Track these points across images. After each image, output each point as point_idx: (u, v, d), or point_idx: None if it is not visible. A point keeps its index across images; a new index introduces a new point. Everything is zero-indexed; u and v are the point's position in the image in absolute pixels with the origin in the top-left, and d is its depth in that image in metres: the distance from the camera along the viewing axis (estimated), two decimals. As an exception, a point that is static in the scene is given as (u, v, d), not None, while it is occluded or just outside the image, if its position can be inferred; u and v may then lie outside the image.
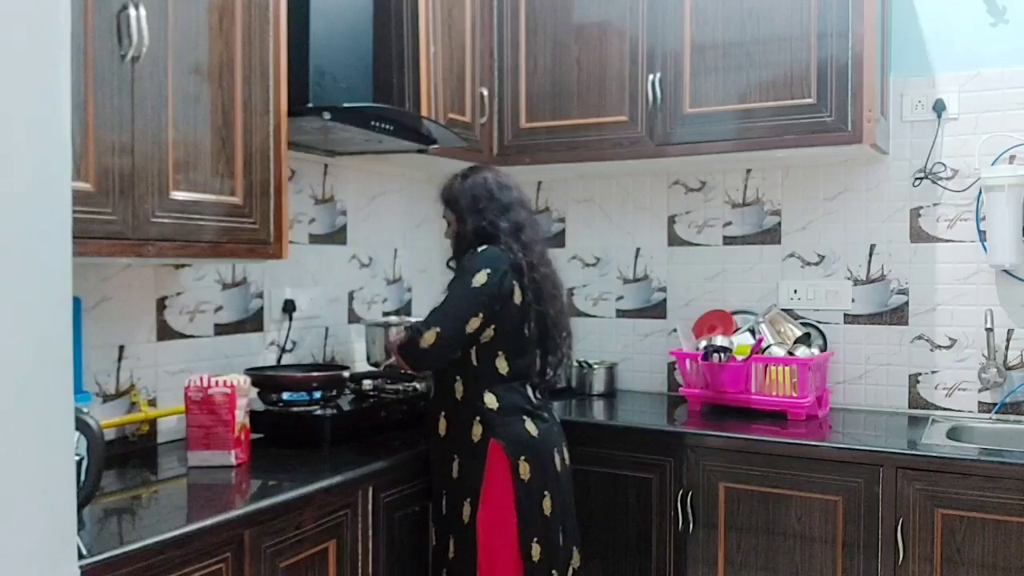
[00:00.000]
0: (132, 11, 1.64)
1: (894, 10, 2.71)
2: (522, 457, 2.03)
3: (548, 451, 2.10)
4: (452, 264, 2.20)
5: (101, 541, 1.44)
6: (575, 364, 3.03)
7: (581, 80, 2.79)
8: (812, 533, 2.25)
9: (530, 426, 2.07)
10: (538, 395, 2.16)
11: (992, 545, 2.06)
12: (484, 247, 2.08)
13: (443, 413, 2.11)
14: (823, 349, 2.77)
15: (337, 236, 2.80)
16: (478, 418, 2.05)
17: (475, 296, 2.01)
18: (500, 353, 2.07)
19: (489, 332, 2.05)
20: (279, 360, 2.54)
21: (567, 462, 2.18)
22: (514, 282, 2.06)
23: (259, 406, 2.22)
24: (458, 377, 2.08)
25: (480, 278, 2.02)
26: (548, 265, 2.18)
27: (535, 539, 2.02)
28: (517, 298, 2.06)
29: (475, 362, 2.07)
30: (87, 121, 1.58)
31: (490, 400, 2.06)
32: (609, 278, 3.18)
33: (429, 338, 2.00)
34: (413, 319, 2.78)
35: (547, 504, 2.06)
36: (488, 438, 2.04)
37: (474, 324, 2.01)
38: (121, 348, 2.09)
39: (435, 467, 2.13)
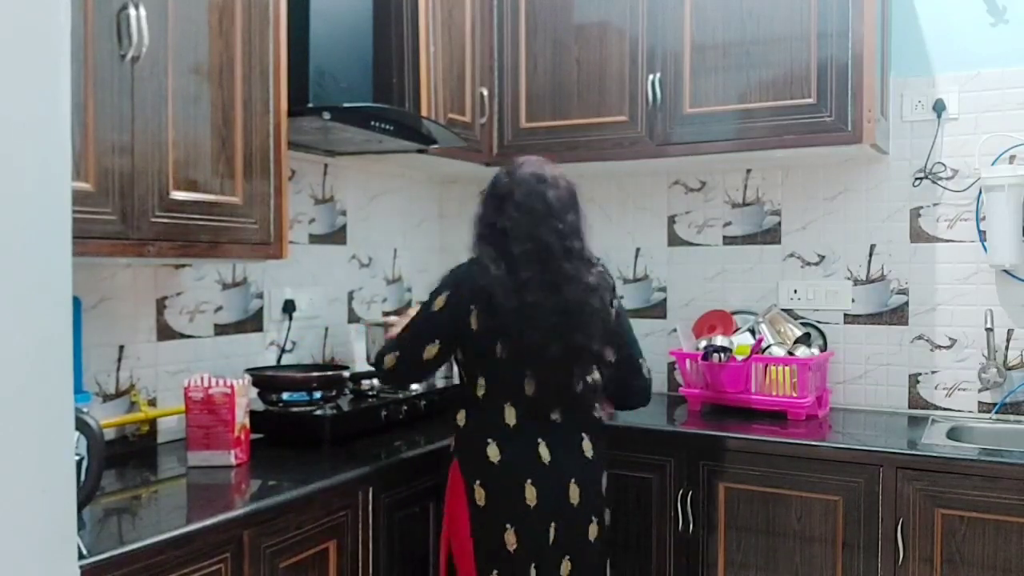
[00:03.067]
0: (132, 11, 1.64)
1: (894, 10, 2.71)
2: (477, 481, 1.89)
3: (514, 480, 1.87)
4: None
5: (101, 541, 1.44)
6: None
7: (581, 80, 2.78)
8: (812, 533, 2.24)
9: (492, 450, 1.89)
10: (528, 419, 1.91)
11: (992, 545, 2.05)
12: (462, 263, 1.97)
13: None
14: (823, 349, 2.77)
15: (337, 236, 2.80)
16: (454, 435, 1.99)
17: (432, 321, 1.92)
18: (477, 373, 1.94)
19: (459, 354, 1.96)
20: (279, 360, 2.54)
21: (571, 500, 1.91)
22: (471, 307, 1.88)
23: (259, 406, 2.22)
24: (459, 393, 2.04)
25: (438, 302, 1.92)
26: (547, 289, 1.88)
27: (495, 572, 1.87)
28: (474, 324, 1.88)
29: (461, 379, 2.00)
30: (87, 121, 1.58)
31: (460, 418, 1.97)
32: (609, 278, 3.17)
33: (389, 361, 1.95)
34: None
35: (510, 538, 1.85)
36: (452, 456, 1.97)
37: (431, 351, 1.92)
38: (121, 348, 2.09)
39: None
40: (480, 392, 1.93)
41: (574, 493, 1.91)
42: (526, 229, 1.89)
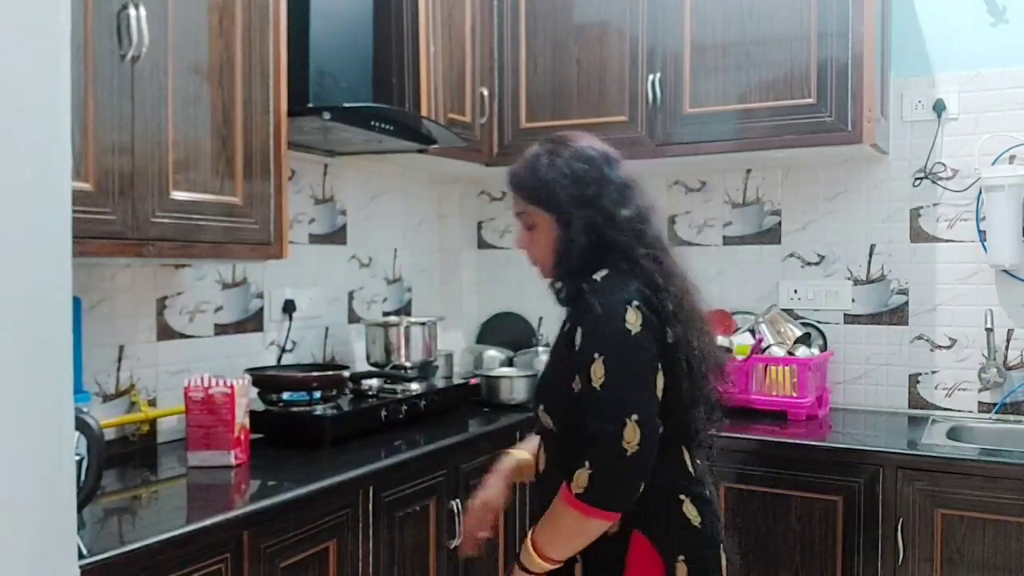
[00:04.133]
0: (132, 11, 1.64)
1: (894, 10, 2.71)
2: (681, 558, 1.42)
3: (715, 548, 1.49)
4: (563, 298, 1.54)
5: (101, 541, 1.44)
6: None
7: (581, 80, 2.79)
8: (812, 533, 2.24)
9: (690, 509, 1.46)
10: (697, 462, 1.53)
11: (992, 545, 2.06)
12: (603, 272, 1.46)
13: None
14: (823, 349, 2.77)
15: (337, 236, 2.80)
16: (683, 495, 1.46)
17: (639, 348, 1.40)
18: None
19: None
20: (279, 360, 2.54)
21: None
22: (660, 311, 1.44)
23: (259, 406, 2.22)
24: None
25: (632, 318, 1.40)
26: (683, 273, 1.57)
27: None
28: (670, 336, 1.44)
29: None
30: (87, 121, 1.58)
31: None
32: (609, 278, 3.17)
33: (631, 435, 1.34)
34: (415, 319, 2.78)
35: None
36: (630, 530, 1.43)
37: (661, 383, 1.41)
38: (121, 348, 2.09)
39: None
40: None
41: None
42: (636, 208, 1.57)
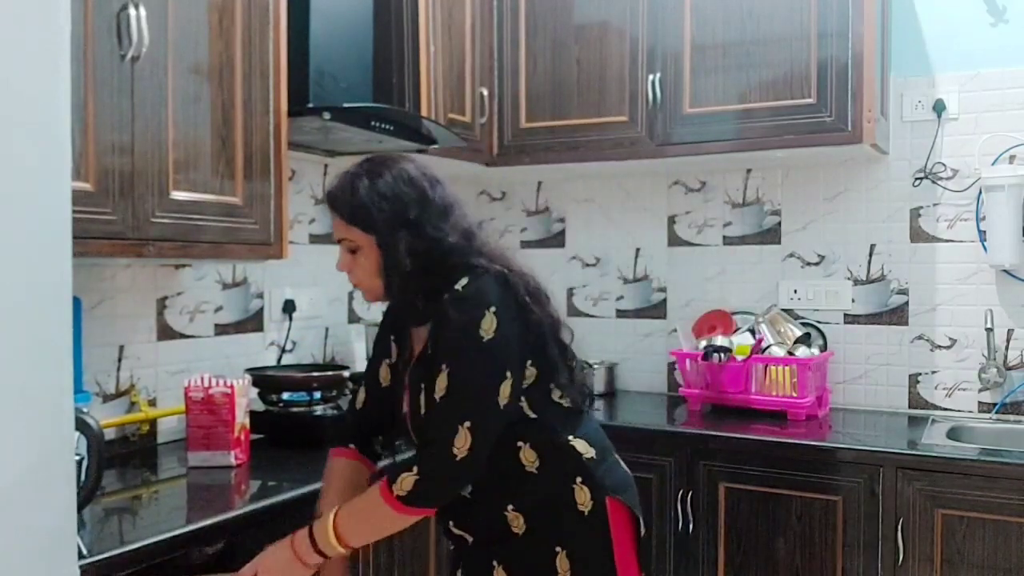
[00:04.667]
0: (132, 11, 1.64)
1: (894, 10, 2.71)
2: (638, 509, 1.56)
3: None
4: (423, 314, 1.49)
5: (101, 541, 1.44)
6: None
7: (581, 80, 2.78)
8: (812, 533, 2.24)
9: (623, 465, 1.61)
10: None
11: (992, 545, 2.06)
12: (463, 280, 1.43)
13: (510, 505, 1.48)
14: (823, 349, 2.77)
15: (337, 236, 2.79)
16: (579, 479, 1.48)
17: (489, 355, 1.41)
18: (551, 387, 1.51)
19: (531, 372, 1.48)
20: (279, 360, 2.54)
21: None
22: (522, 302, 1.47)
23: (259, 406, 2.22)
24: (521, 443, 1.47)
25: (488, 324, 1.40)
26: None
27: None
28: (535, 319, 1.49)
29: (532, 413, 1.47)
30: (87, 121, 1.58)
31: (583, 447, 1.50)
32: (609, 278, 3.18)
33: (462, 441, 1.37)
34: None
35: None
36: (602, 498, 1.48)
37: (507, 392, 1.41)
38: (121, 348, 2.09)
39: None
40: (567, 403, 1.57)
41: None
42: (462, 224, 1.55)
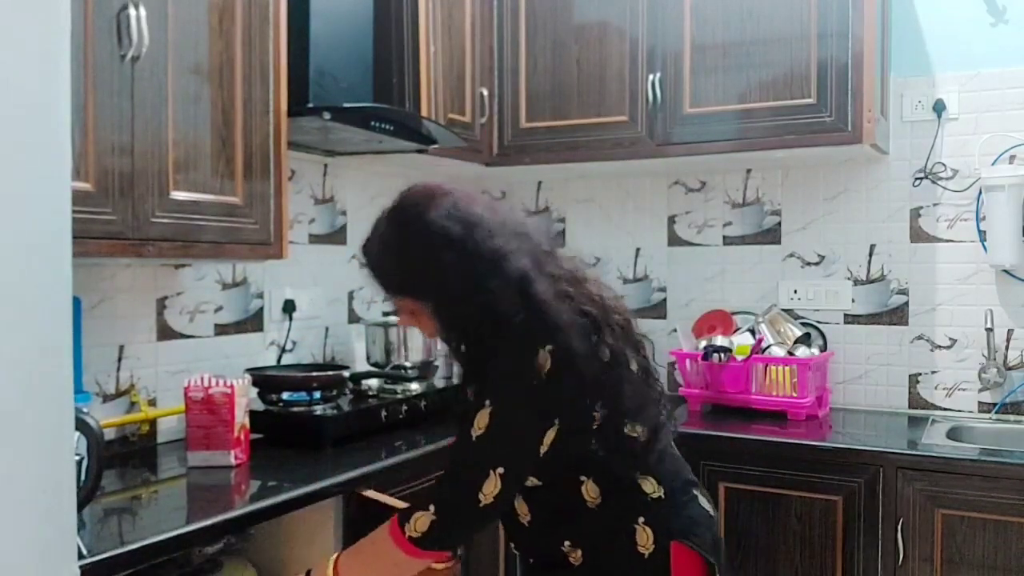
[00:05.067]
0: (132, 11, 1.64)
1: (894, 10, 2.71)
2: (714, 554, 1.42)
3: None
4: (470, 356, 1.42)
5: (101, 541, 1.44)
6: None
7: (581, 80, 2.78)
8: (812, 533, 2.24)
9: (704, 502, 1.48)
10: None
11: (992, 545, 2.06)
12: (519, 316, 1.31)
13: (567, 540, 1.40)
14: (823, 349, 2.77)
15: (337, 236, 2.80)
16: (642, 519, 1.38)
17: (537, 398, 1.31)
18: (625, 421, 1.40)
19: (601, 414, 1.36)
20: (279, 360, 2.54)
21: None
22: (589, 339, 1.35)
23: (259, 406, 2.22)
24: (584, 478, 1.38)
25: (543, 361, 1.29)
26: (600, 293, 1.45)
27: None
28: (606, 355, 1.37)
29: (601, 451, 1.38)
30: (87, 121, 1.58)
31: (651, 486, 1.41)
32: (609, 278, 3.18)
33: (491, 488, 1.30)
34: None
35: None
36: (666, 543, 1.38)
37: (550, 439, 1.33)
38: (121, 348, 2.09)
39: None
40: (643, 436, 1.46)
41: None
42: (522, 253, 1.41)
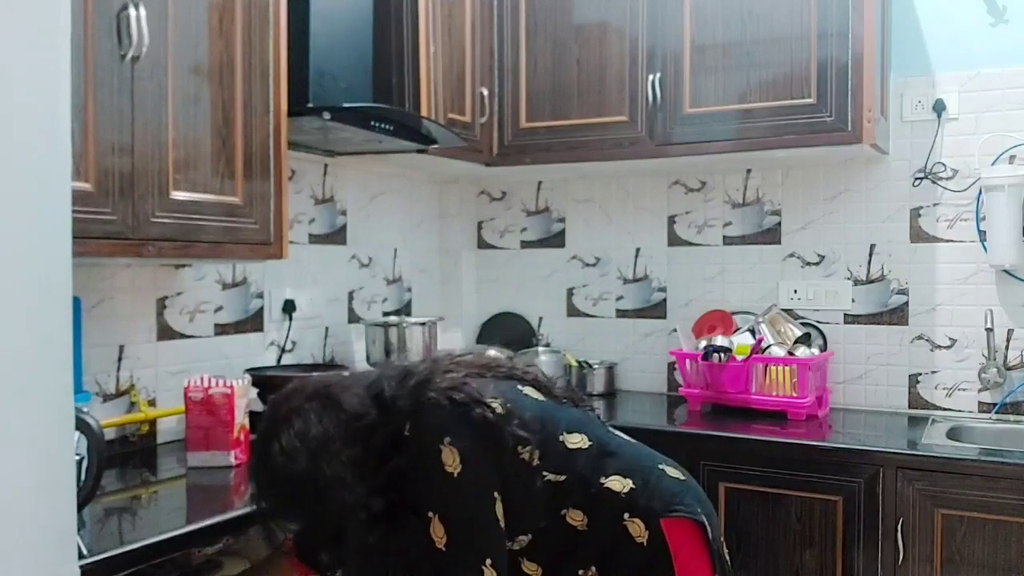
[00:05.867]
0: (132, 11, 1.64)
1: (894, 10, 2.71)
2: (699, 510, 1.47)
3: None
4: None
5: (101, 541, 1.44)
6: (575, 364, 3.03)
7: (581, 80, 2.78)
8: (812, 533, 2.24)
9: (670, 470, 1.52)
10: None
11: (992, 545, 2.05)
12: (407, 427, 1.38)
13: (580, 569, 1.45)
14: (823, 349, 2.77)
15: (337, 236, 2.80)
16: (627, 514, 1.43)
17: (468, 485, 1.35)
18: (560, 439, 1.46)
19: (527, 452, 1.40)
20: (279, 360, 2.54)
21: None
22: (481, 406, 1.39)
23: (259, 406, 2.22)
24: (564, 509, 1.43)
25: (449, 458, 1.34)
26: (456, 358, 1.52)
27: None
28: (500, 407, 1.41)
29: (558, 477, 1.43)
30: (87, 121, 1.58)
31: (618, 483, 1.45)
32: (609, 278, 3.18)
33: None
34: (414, 319, 2.78)
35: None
36: (656, 524, 1.43)
37: (500, 511, 1.37)
38: (121, 348, 2.09)
39: None
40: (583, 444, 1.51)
41: None
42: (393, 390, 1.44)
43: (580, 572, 1.43)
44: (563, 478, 1.41)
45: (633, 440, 1.58)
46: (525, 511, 1.39)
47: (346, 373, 2.04)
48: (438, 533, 1.32)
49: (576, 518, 1.42)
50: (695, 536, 1.45)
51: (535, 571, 1.45)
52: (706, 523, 1.45)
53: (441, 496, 1.34)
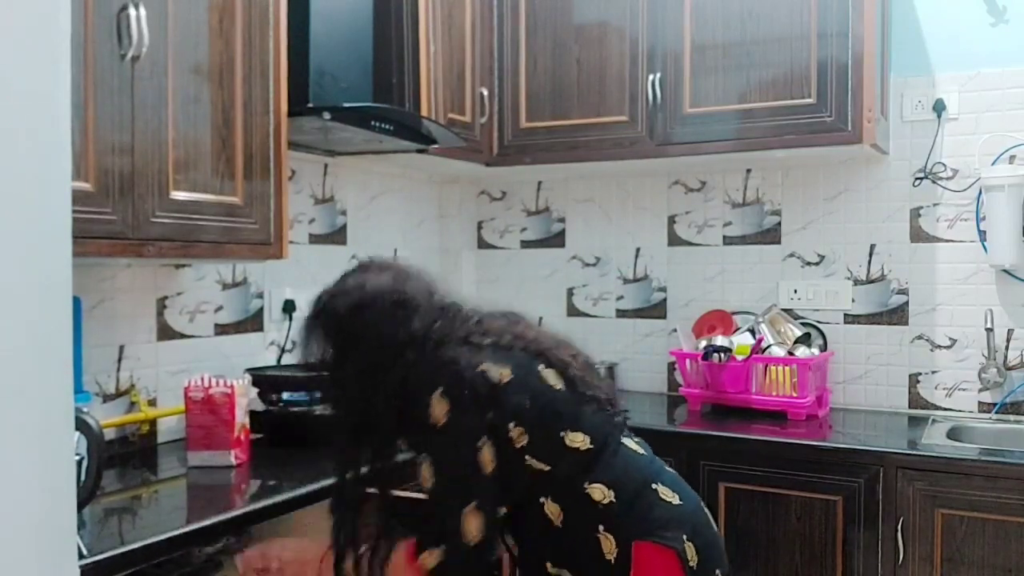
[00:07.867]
0: (132, 11, 1.64)
1: (894, 10, 2.71)
2: (684, 536, 1.42)
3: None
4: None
5: (101, 541, 1.44)
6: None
7: (581, 80, 2.78)
8: (812, 533, 2.24)
9: (665, 492, 1.47)
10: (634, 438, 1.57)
11: (992, 545, 2.06)
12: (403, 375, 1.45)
13: (548, 562, 1.45)
14: (823, 349, 2.77)
15: (337, 236, 2.80)
16: (602, 527, 1.40)
17: (455, 434, 1.40)
18: (562, 434, 1.45)
19: (518, 432, 1.42)
20: (279, 360, 2.54)
21: None
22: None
23: (259, 406, 2.22)
24: (543, 499, 1.44)
25: (438, 409, 1.39)
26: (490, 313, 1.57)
27: None
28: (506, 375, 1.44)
29: (544, 466, 1.42)
30: (87, 121, 1.58)
31: (600, 493, 1.42)
32: (609, 278, 3.18)
33: (471, 525, 1.37)
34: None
35: None
36: (626, 546, 1.39)
37: (491, 455, 1.41)
38: (121, 348, 2.09)
39: None
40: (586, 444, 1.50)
41: None
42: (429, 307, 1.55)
43: (548, 565, 1.44)
44: (547, 468, 1.42)
45: (645, 453, 1.55)
46: (510, 481, 1.41)
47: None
48: (426, 475, 1.39)
49: (553, 512, 1.42)
50: (671, 566, 1.39)
51: (513, 546, 1.50)
52: (685, 553, 1.40)
53: (427, 441, 1.40)
